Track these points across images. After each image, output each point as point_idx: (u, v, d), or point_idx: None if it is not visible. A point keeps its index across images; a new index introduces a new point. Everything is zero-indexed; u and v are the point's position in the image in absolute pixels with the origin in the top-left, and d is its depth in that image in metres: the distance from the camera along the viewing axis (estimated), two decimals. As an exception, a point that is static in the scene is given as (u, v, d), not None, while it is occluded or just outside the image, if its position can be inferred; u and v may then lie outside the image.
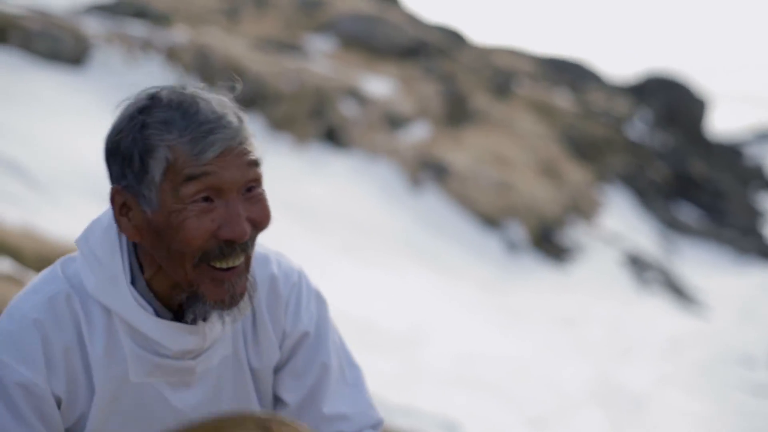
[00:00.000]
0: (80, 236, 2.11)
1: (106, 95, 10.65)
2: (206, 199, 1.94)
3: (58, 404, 2.05)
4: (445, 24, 26.62)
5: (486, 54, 25.36)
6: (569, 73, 29.42)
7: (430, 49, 21.12)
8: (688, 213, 22.47)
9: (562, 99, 24.08)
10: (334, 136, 13.12)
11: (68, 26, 12.36)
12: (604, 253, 15.33)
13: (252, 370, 2.21)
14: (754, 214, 25.53)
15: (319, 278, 2.39)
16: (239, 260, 2.00)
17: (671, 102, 29.89)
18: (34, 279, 2.13)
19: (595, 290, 13.78)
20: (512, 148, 16.97)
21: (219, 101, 1.98)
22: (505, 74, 22.70)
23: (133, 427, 2.12)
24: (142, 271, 2.07)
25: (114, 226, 2.06)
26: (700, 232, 20.92)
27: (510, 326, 10.72)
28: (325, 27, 19.35)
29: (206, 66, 11.67)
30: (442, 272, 11.84)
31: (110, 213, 2.07)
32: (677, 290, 15.49)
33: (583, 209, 17.05)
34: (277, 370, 2.24)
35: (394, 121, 15.34)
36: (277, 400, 2.26)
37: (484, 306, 11.14)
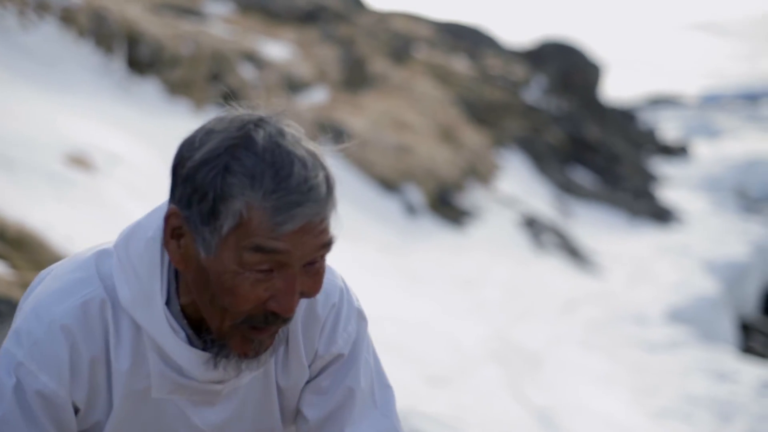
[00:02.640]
0: (120, 240, 1.99)
1: (1, 58, 10.45)
2: (267, 269, 1.82)
3: (76, 411, 1.99)
4: (343, -11, 26.57)
5: (384, 19, 25.38)
6: (467, 39, 29.57)
7: (329, 14, 21.09)
8: (582, 176, 22.80)
9: (460, 64, 24.22)
10: (231, 100, 13.05)
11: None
12: (501, 215, 15.51)
13: (279, 388, 2.15)
14: (646, 178, 26.02)
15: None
16: (278, 327, 1.93)
17: (566, 67, 30.22)
18: (66, 271, 2.02)
19: (492, 252, 13.94)
20: (410, 112, 17.05)
21: (314, 161, 1.81)
22: (403, 39, 22.76)
23: None
24: (178, 294, 1.96)
25: (159, 239, 1.93)
26: (595, 194, 21.26)
27: (410, 288, 10.81)
28: (223, -9, 19.19)
29: (102, 28, 11.52)
30: (342, 236, 11.89)
31: (154, 223, 1.96)
32: (573, 252, 15.75)
33: (481, 172, 17.21)
34: (304, 386, 2.18)
35: (293, 86, 15.32)
36: (299, 414, 2.19)
37: (384, 268, 11.22)
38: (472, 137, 18.37)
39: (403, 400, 7.19)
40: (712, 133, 66.03)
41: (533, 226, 15.80)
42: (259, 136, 1.79)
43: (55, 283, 1.99)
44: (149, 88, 11.94)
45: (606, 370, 10.19)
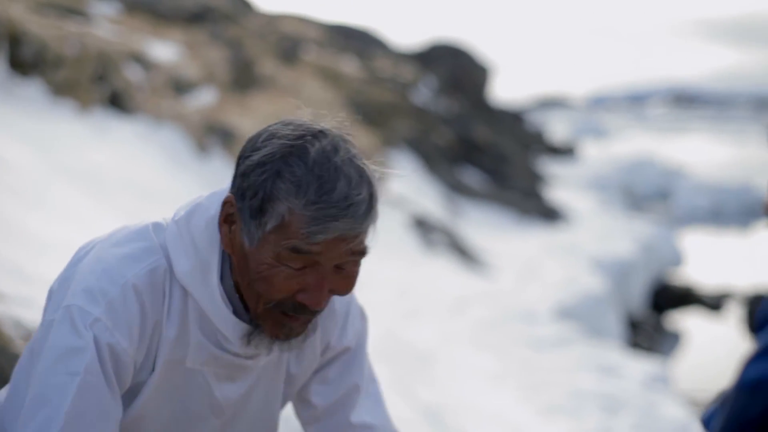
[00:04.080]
0: (182, 216, 2.15)
1: None
2: (300, 267, 1.99)
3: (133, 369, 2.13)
4: (230, -10, 26.44)
5: (273, 20, 25.32)
6: (356, 41, 29.68)
7: (216, 15, 20.95)
8: (472, 176, 22.99)
9: (349, 66, 24.25)
10: (118, 102, 12.87)
11: None
12: (390, 216, 15.53)
13: (288, 374, 2.34)
14: (535, 178, 26.33)
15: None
16: (308, 317, 2.10)
17: (455, 69, 30.51)
18: (128, 240, 2.14)
19: (382, 253, 13.96)
20: (299, 113, 17.01)
21: (360, 180, 1.98)
22: (291, 40, 22.71)
23: (172, 405, 2.20)
24: (231, 272, 2.12)
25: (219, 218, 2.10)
26: (484, 194, 21.45)
27: (299, 289, 10.77)
28: (108, -9, 18.95)
29: (-18, 29, 11.27)
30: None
31: (216, 204, 2.13)
32: (462, 251, 15.85)
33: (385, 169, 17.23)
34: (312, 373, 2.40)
35: (180, 87, 15.17)
36: (304, 401, 2.42)
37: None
38: (361, 138, 18.39)
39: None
40: (599, 133, 67.26)
41: (423, 226, 15.87)
42: (314, 148, 1.97)
43: (121, 249, 2.12)
44: (32, 90, 11.71)
45: (495, 368, 10.27)
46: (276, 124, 2.06)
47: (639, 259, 18.97)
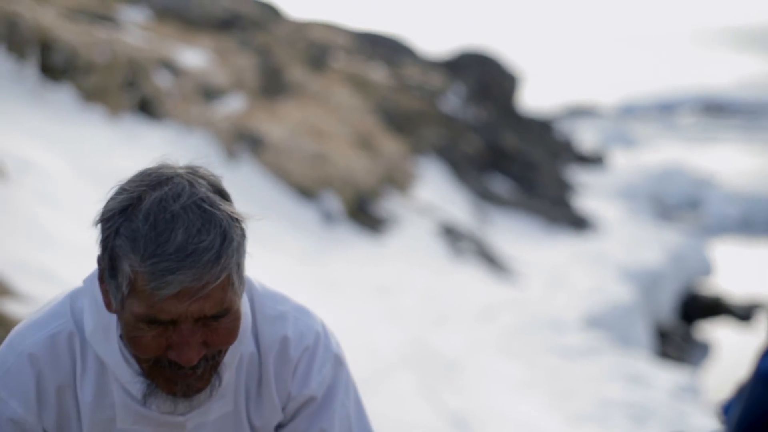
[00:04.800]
0: (89, 275, 2.06)
1: None
2: (162, 328, 1.86)
3: None
4: (260, -3, 26.51)
5: (302, 28, 25.35)
6: (384, 48, 29.66)
7: (245, 22, 21.00)
8: (500, 184, 22.95)
9: (378, 73, 24.26)
10: (147, 108, 12.93)
11: None
12: (418, 223, 15.53)
13: (252, 427, 2.18)
14: (563, 186, 26.25)
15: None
16: (191, 372, 1.93)
17: (484, 77, 30.44)
18: (45, 307, 2.10)
19: (410, 260, 13.96)
20: (328, 120, 17.03)
21: (204, 225, 1.80)
22: (320, 48, 22.74)
23: None
24: None
25: None
26: (512, 202, 21.40)
27: (328, 296, 10.78)
28: (138, -2, 19.04)
29: (15, 35, 11.33)
30: (259, 244, 11.82)
31: None
32: (490, 259, 15.82)
33: (398, 181, 17.24)
34: (279, 428, 2.20)
35: (209, 93, 15.21)
36: None
37: (301, 277, 11.18)
38: (390, 145, 18.40)
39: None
40: (628, 142, 66.99)
41: (451, 233, 15.85)
42: (150, 198, 1.81)
43: (32, 317, 2.07)
44: (63, 95, 11.78)
45: (522, 376, 10.24)
46: (135, 174, 1.90)
47: (668, 268, 18.88)
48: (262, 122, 15.03)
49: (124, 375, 2.00)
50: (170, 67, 14.98)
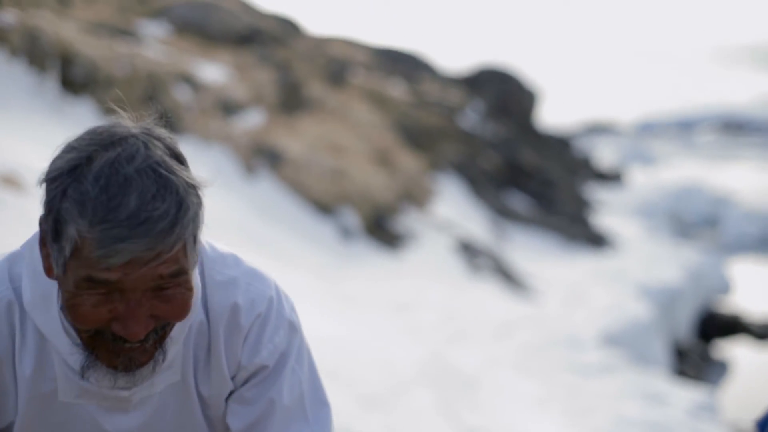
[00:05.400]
0: (27, 240, 1.95)
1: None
2: (104, 293, 1.73)
3: None
4: (280, 13, 26.61)
5: (321, 43, 25.42)
6: (403, 64, 29.71)
7: (265, 37, 21.06)
8: (518, 201, 22.92)
9: (397, 89, 24.29)
10: (167, 122, 12.98)
11: None
12: (436, 239, 15.53)
13: (201, 397, 2.08)
14: (581, 203, 26.22)
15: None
16: (137, 345, 1.82)
17: (503, 94, 30.46)
18: None
19: (428, 276, 13.95)
20: (346, 136, 17.05)
21: (159, 191, 1.68)
22: (340, 63, 22.78)
23: None
24: None
25: None
26: (530, 219, 21.38)
27: (345, 312, 10.77)
28: (159, 13, 19.12)
29: (36, 48, 11.40)
30: (277, 259, 11.83)
31: None
32: (508, 275, 15.80)
33: (416, 197, 17.24)
34: (230, 395, 2.10)
35: (228, 108, 15.25)
36: (225, 425, 2.12)
37: (319, 293, 11.17)
38: (408, 161, 18.41)
39: (336, 423, 7.15)
40: (647, 160, 66.91)
41: (468, 250, 15.83)
42: (102, 159, 1.69)
43: None
44: (83, 109, 11.82)
45: (540, 393, 10.20)
46: (83, 132, 1.77)
47: (686, 286, 18.82)
48: (281, 137, 15.06)
49: (64, 347, 1.88)
50: (190, 81, 15.03)
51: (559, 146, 33.26)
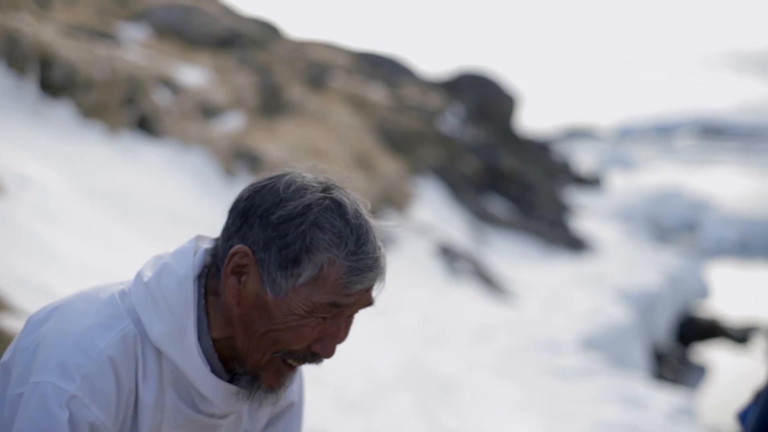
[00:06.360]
0: (151, 277, 2.07)
1: None
2: (327, 317, 2.02)
3: None
4: (260, 16, 26.58)
5: (301, 47, 25.39)
6: (383, 68, 29.72)
7: (245, 41, 21.04)
8: (497, 205, 22.96)
9: (377, 93, 24.30)
10: (146, 125, 12.94)
11: None
12: (416, 243, 15.54)
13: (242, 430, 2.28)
14: (560, 207, 26.27)
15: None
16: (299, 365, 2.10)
17: (482, 98, 30.50)
18: (94, 308, 2.06)
19: (407, 280, 13.96)
20: (326, 139, 17.05)
21: (377, 235, 2.04)
22: (319, 67, 22.77)
23: None
24: (209, 329, 2.09)
25: (190, 277, 2.06)
26: (510, 223, 21.41)
27: (324, 315, 10.77)
28: (139, 16, 19.06)
29: (15, 51, 11.34)
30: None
31: (184, 262, 2.08)
32: (487, 280, 15.82)
33: (396, 201, 17.24)
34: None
35: (208, 111, 15.23)
36: None
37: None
38: (388, 165, 18.42)
39: (315, 427, 7.15)
40: (626, 164, 67.16)
41: (448, 254, 15.85)
42: (347, 201, 2.01)
43: (87, 318, 2.02)
44: (62, 112, 11.78)
45: (519, 397, 10.23)
46: (282, 176, 2.07)
47: (665, 290, 18.89)
48: (261, 141, 15.04)
49: (201, 375, 2.05)
50: (169, 84, 15.00)
51: (538, 151, 33.33)
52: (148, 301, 2.04)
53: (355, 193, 2.09)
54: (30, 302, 5.85)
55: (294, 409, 2.38)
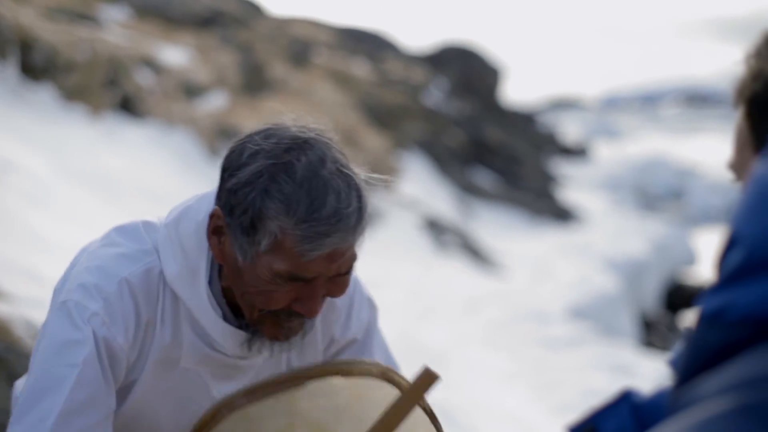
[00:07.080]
0: (171, 219, 2.15)
1: None
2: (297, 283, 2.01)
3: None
4: (241, -6, 26.46)
5: (283, 24, 25.34)
6: (367, 44, 29.65)
7: (227, 19, 20.98)
8: (483, 177, 22.97)
9: (360, 68, 24.26)
10: (129, 106, 12.90)
11: None
12: (403, 217, 15.55)
13: (289, 367, 2.34)
14: (546, 178, 26.30)
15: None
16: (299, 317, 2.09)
17: (466, 71, 30.46)
18: (121, 235, 2.17)
19: (395, 254, 13.97)
20: (310, 116, 17.02)
21: (349, 192, 1.96)
22: (302, 44, 22.73)
23: (169, 405, 2.22)
24: (220, 276, 2.14)
25: (207, 223, 2.10)
26: (496, 195, 21.43)
27: (312, 291, 10.79)
28: (119, -3, 18.99)
29: (-6, 35, 11.30)
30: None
31: (205, 207, 2.12)
32: (475, 252, 15.85)
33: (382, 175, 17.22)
34: None
35: (191, 91, 15.19)
36: None
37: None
38: (373, 140, 18.41)
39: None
40: (611, 134, 67.12)
41: (435, 227, 15.87)
42: (301, 163, 1.95)
43: (116, 249, 2.13)
44: (44, 95, 11.74)
45: (508, 368, 10.27)
46: (258, 134, 2.04)
47: (652, 258, 18.94)
48: (245, 119, 15.02)
49: (209, 318, 2.11)
50: (151, 65, 14.96)
51: (523, 122, 33.32)
52: (167, 241, 2.12)
53: (332, 145, 2.04)
54: (17, 287, 5.86)
55: (357, 345, 2.42)
